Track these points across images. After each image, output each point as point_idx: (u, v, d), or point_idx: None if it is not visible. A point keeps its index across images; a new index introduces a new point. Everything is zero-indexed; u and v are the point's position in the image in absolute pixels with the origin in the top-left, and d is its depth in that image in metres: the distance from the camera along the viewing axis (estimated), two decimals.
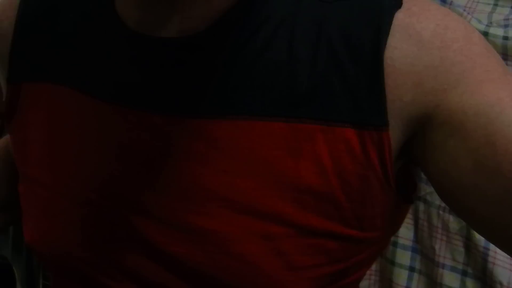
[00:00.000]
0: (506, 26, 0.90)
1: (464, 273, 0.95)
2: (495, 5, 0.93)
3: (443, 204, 0.95)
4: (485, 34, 0.90)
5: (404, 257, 1.00)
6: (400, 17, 0.48)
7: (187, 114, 0.50)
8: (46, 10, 0.58)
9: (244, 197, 0.48)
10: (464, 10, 0.93)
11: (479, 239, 0.92)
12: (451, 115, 0.45)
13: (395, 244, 1.00)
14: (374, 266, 1.05)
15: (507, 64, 0.90)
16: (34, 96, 0.57)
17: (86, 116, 0.54)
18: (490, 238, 0.47)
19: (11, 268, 1.28)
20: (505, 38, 0.89)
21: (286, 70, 0.49)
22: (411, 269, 1.00)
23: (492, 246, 0.92)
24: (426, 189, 0.98)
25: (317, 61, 0.48)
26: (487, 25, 0.91)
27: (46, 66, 0.57)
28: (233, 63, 0.50)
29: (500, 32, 0.90)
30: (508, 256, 0.90)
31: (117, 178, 0.52)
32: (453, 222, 0.95)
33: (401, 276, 1.00)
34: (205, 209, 0.49)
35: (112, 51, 0.53)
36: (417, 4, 0.49)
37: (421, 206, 0.98)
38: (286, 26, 0.50)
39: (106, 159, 0.53)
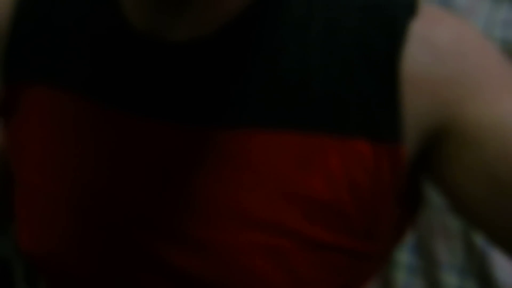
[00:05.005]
0: (505, 27, 0.90)
1: (464, 273, 0.95)
2: (495, 6, 0.93)
3: (443, 204, 0.95)
4: (485, 34, 0.90)
5: (404, 257, 1.00)
6: (415, 26, 0.47)
7: (195, 124, 0.48)
8: (46, 9, 0.56)
9: (253, 210, 0.47)
10: (464, 11, 0.93)
11: (479, 239, 0.92)
12: (467, 127, 0.45)
13: None
14: None
15: None
16: (32, 99, 0.55)
17: (87, 122, 0.52)
18: (507, 249, 0.46)
19: (11, 268, 1.28)
20: (505, 39, 0.89)
21: (298, 78, 0.47)
22: (411, 269, 1.00)
23: (492, 246, 0.92)
24: (426, 189, 0.98)
25: (330, 69, 0.47)
26: (486, 26, 0.91)
27: (45, 68, 0.55)
28: (244, 71, 0.48)
29: (499, 33, 0.90)
30: (508, 256, 0.90)
31: (119, 188, 0.50)
32: (453, 222, 0.95)
33: (401, 276, 1.00)
34: (212, 222, 0.48)
35: (117, 55, 0.51)
36: (432, 13, 0.48)
37: None
38: (299, 31, 0.48)
39: (108, 168, 0.51)
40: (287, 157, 0.47)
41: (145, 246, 0.50)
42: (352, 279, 0.50)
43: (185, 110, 0.48)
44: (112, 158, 0.51)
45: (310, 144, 0.46)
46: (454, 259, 0.95)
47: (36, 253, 0.54)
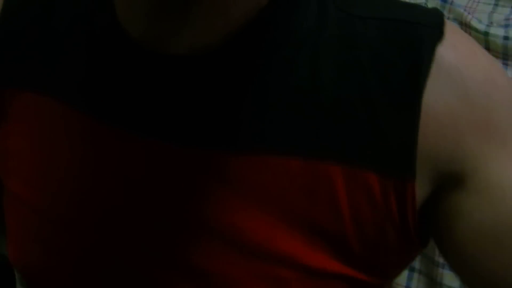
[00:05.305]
0: (506, 26, 0.90)
1: None
2: (496, 5, 0.93)
3: None
4: (486, 34, 0.90)
5: None
6: (443, 55, 0.42)
7: (194, 145, 0.44)
8: (36, 11, 0.51)
9: (253, 237, 0.44)
10: (465, 10, 0.93)
11: None
12: (487, 187, 0.42)
13: None
14: None
15: (507, 65, 0.90)
16: (19, 105, 0.51)
17: (76, 135, 0.48)
18: None
19: (11, 268, 1.28)
20: (506, 38, 0.89)
21: (308, 99, 0.43)
22: (411, 269, 0.99)
23: None
24: None
25: (343, 90, 0.43)
26: (487, 25, 0.91)
27: (35, 73, 0.50)
28: (249, 89, 0.44)
29: (500, 32, 0.90)
30: None
31: (107, 207, 0.47)
32: None
33: (401, 276, 1.00)
34: (209, 250, 0.45)
35: (112, 65, 0.47)
36: (461, 41, 0.44)
37: None
38: (310, 45, 0.44)
39: (95, 185, 0.47)
40: (291, 184, 0.43)
41: (136, 268, 0.47)
42: None
43: (184, 130, 0.44)
44: (100, 175, 0.47)
45: (317, 172, 0.43)
46: None
47: (21, 263, 0.52)
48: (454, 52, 0.43)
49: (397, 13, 0.44)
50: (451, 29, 0.44)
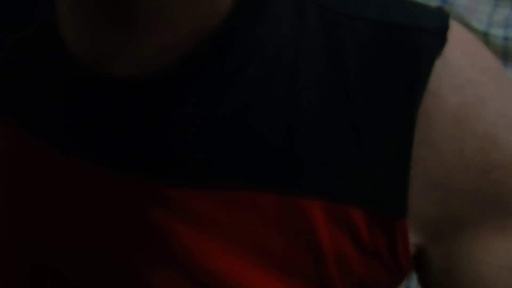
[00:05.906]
0: (506, 26, 0.90)
1: None
2: (496, 5, 0.93)
3: None
4: (485, 34, 0.90)
5: None
6: (446, 93, 0.38)
7: (149, 178, 0.39)
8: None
9: (226, 280, 0.39)
10: (465, 11, 0.93)
11: None
12: (450, 257, 0.40)
13: None
14: None
15: (507, 65, 0.90)
16: None
17: (22, 161, 0.43)
18: None
19: None
20: (506, 38, 0.89)
21: (282, 124, 0.38)
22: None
23: None
24: None
25: (326, 113, 0.38)
26: (487, 26, 0.91)
27: None
28: (211, 113, 0.38)
29: (500, 32, 0.90)
30: None
31: (57, 241, 0.42)
32: None
33: None
34: None
35: (56, 89, 0.41)
36: (470, 66, 0.39)
37: None
38: (286, 59, 0.38)
39: (41, 218, 0.42)
40: (263, 221, 0.39)
41: None
42: None
43: (136, 161, 0.39)
44: (46, 204, 0.42)
45: (293, 208, 0.38)
46: None
47: None
48: (459, 92, 0.38)
49: (393, 13, 0.39)
50: (455, 34, 0.39)
